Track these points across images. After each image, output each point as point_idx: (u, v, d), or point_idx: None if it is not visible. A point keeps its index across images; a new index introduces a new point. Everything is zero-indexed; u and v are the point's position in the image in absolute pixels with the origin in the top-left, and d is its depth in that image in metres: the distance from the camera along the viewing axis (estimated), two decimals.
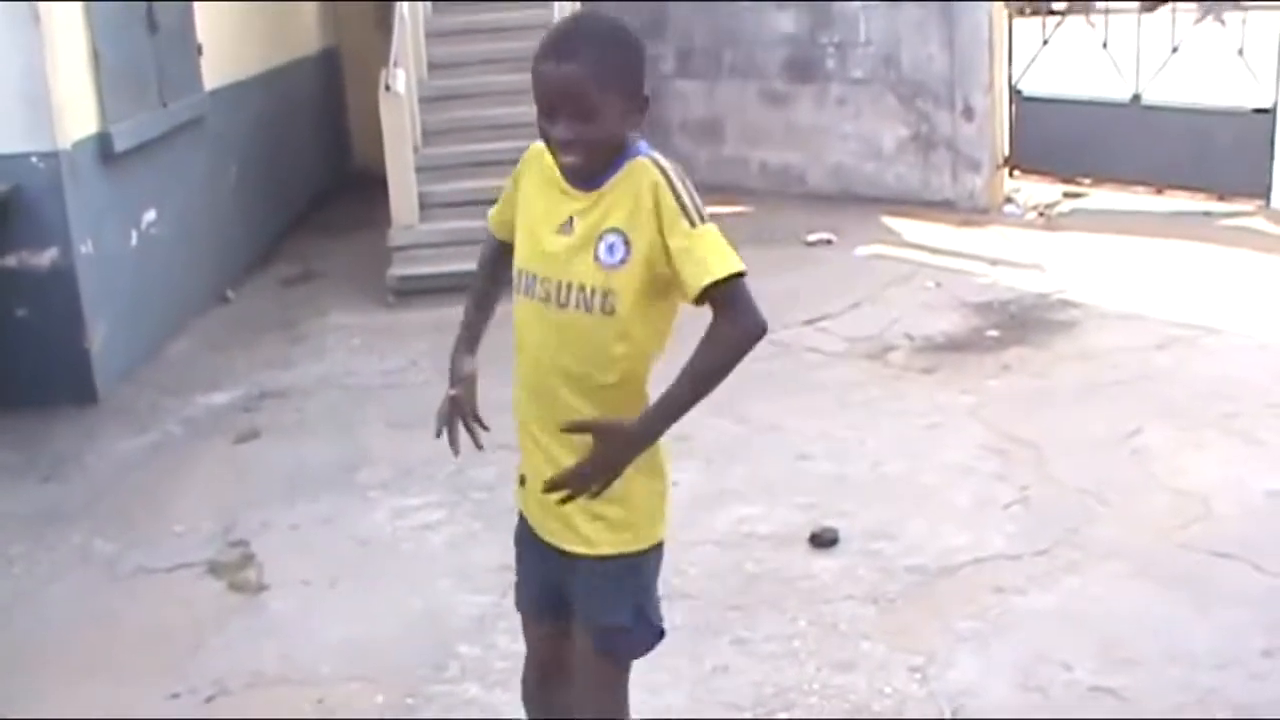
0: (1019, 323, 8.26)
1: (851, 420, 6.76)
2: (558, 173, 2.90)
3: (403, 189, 10.02)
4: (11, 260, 7.40)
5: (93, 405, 7.54)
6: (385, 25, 10.83)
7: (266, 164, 11.50)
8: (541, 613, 3.25)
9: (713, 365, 2.85)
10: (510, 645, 4.75)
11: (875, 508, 5.66)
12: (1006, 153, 11.74)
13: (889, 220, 11.14)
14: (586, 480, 2.85)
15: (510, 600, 5.01)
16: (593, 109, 2.77)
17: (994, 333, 8.08)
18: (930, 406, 6.87)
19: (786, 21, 12.34)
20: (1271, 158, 10.56)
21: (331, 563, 5.56)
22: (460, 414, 3.31)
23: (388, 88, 9.90)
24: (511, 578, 5.17)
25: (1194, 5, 11.73)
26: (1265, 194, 10.65)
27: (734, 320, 2.83)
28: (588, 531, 2.98)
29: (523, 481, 3.14)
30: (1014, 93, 11.70)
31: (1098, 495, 5.74)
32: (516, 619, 4.90)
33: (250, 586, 5.44)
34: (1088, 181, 11.66)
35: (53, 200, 7.35)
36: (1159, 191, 11.23)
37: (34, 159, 7.30)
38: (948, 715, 4.25)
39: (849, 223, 10.85)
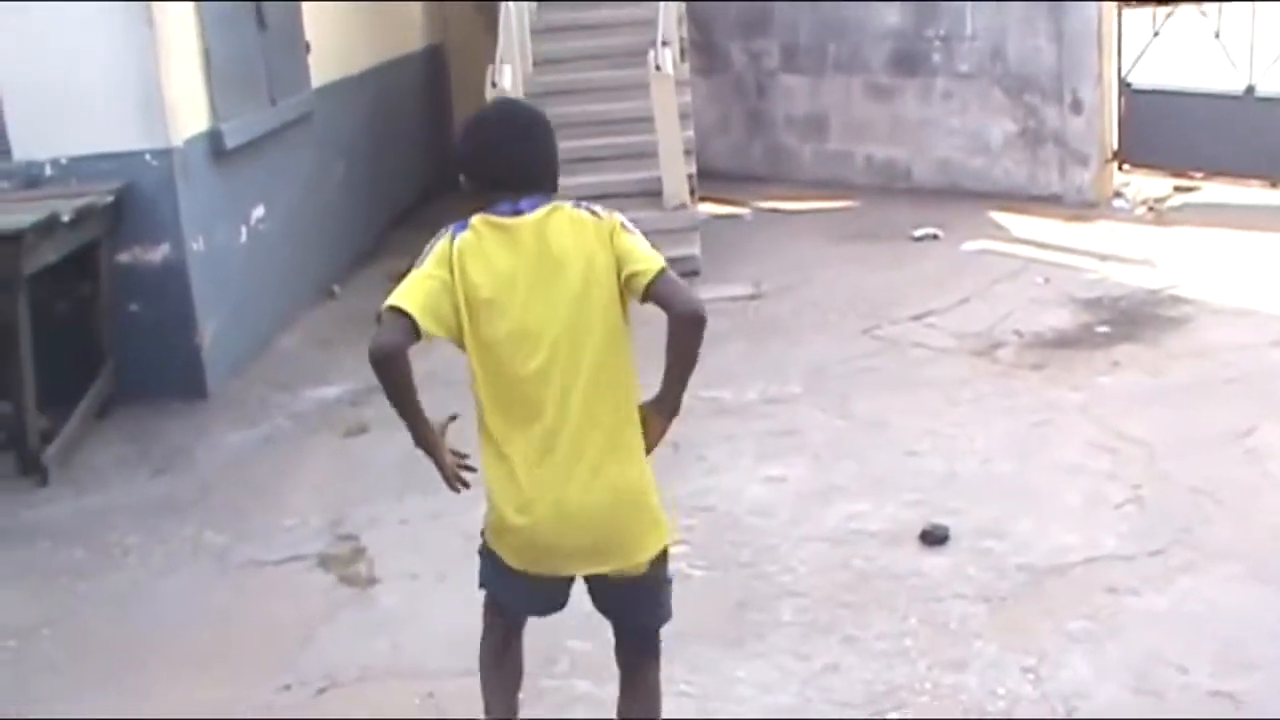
0: (1129, 319, 8.14)
1: (960, 417, 6.69)
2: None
3: None
4: (125, 256, 7.52)
5: (203, 399, 7.65)
6: (490, 23, 10.87)
7: (373, 160, 11.59)
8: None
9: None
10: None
11: (985, 506, 5.60)
12: (1115, 147, 11.57)
13: (996, 215, 11.03)
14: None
15: None
16: None
17: (1104, 329, 7.97)
18: (1040, 404, 6.79)
19: (891, 15, 12.25)
20: None
21: (440, 557, 5.58)
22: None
23: (494, 84, 9.93)
24: None
25: None
26: None
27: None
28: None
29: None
30: (1123, 85, 11.53)
31: (1211, 495, 5.64)
32: None
33: (360, 580, 5.49)
34: (1199, 175, 11.47)
35: (165, 197, 7.46)
36: (1273, 185, 11.01)
37: (147, 156, 7.42)
38: (1061, 716, 4.19)
39: (955, 218, 10.75)
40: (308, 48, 9.88)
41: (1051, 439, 6.37)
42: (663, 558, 3.52)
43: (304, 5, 9.81)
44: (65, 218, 6.78)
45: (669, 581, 3.61)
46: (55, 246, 6.84)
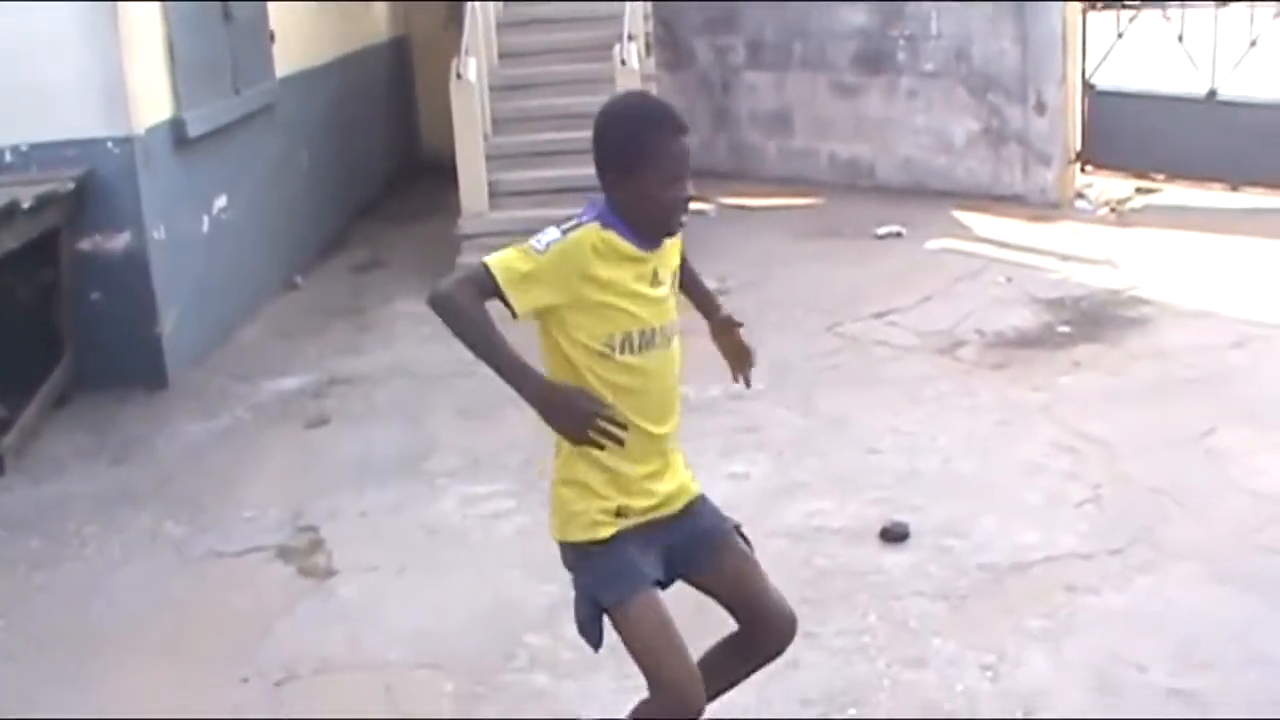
0: (1091, 319, 8.18)
1: (922, 415, 6.71)
2: (628, 246, 3.28)
3: (472, 177, 10.04)
4: (86, 244, 7.48)
5: (163, 390, 7.61)
6: (455, 14, 10.85)
7: (337, 151, 11.56)
8: (656, 587, 3.43)
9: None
10: (579, 636, 4.75)
11: (946, 504, 5.61)
12: (1079, 147, 11.62)
13: (959, 214, 11.06)
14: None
15: None
16: None
17: (1065, 329, 8.01)
18: (1001, 403, 6.81)
19: (857, 14, 12.27)
20: None
21: (400, 550, 5.58)
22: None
23: (459, 75, 9.91)
24: None
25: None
26: None
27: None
28: (691, 485, 3.53)
29: (620, 513, 3.37)
30: (1087, 87, 11.57)
31: (1171, 495, 5.67)
32: None
33: (319, 572, 5.47)
34: (1161, 177, 11.52)
35: (127, 185, 7.42)
36: (1234, 188, 11.07)
37: (109, 144, 7.37)
38: (1019, 715, 4.20)
39: (919, 216, 10.78)
40: (272, 37, 9.84)
41: (1012, 438, 6.39)
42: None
43: None
44: (25, 205, 6.73)
45: None
46: (15, 234, 6.79)
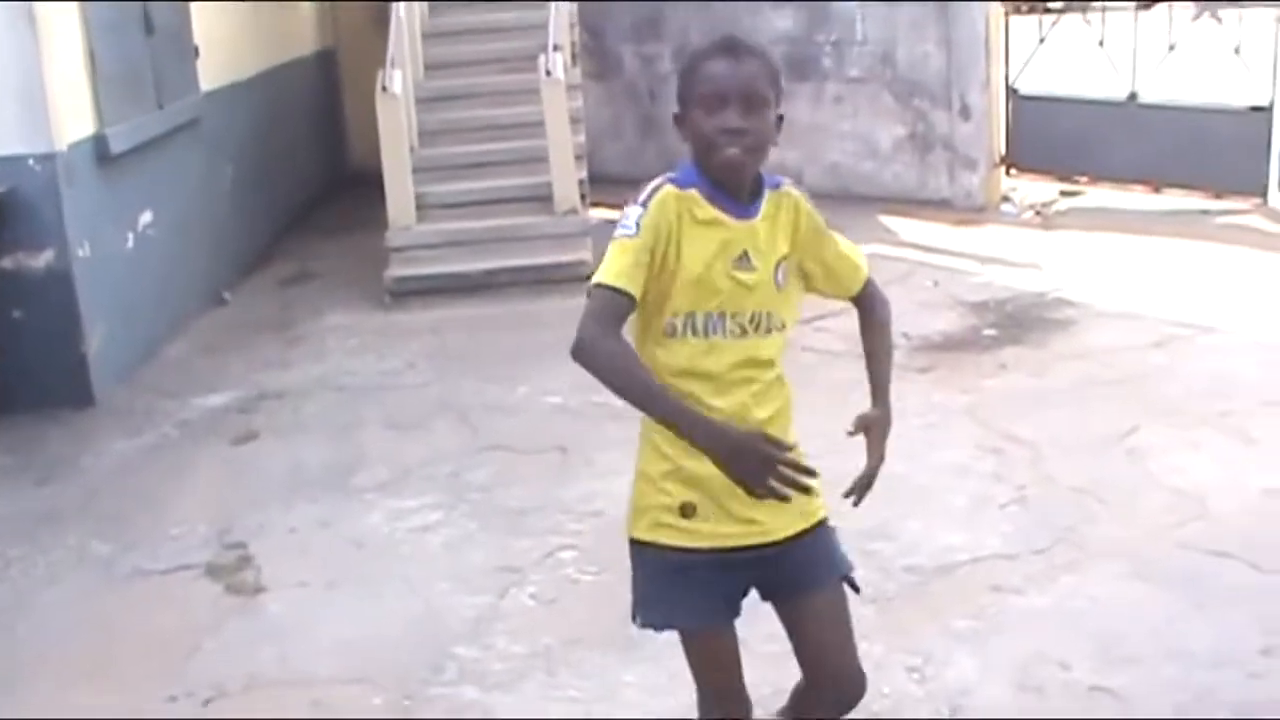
0: (1016, 322, 8.26)
1: (849, 420, 6.72)
2: (711, 208, 2.99)
3: (399, 190, 10.02)
4: (8, 262, 7.40)
5: (89, 407, 7.54)
6: (382, 27, 10.82)
7: (263, 165, 11.49)
8: (730, 620, 3.22)
9: (889, 341, 3.49)
10: (508, 647, 4.78)
11: (872, 507, 5.48)
12: (1003, 152, 11.75)
13: (886, 219, 11.14)
14: (877, 473, 3.42)
15: (508, 602, 5.10)
16: (762, 103, 2.98)
17: (991, 332, 8.09)
18: (927, 406, 6.86)
19: (783, 20, 12.33)
20: (1268, 155, 10.59)
21: (329, 565, 5.56)
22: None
23: (384, 88, 9.89)
24: (510, 579, 5.26)
25: (1191, 3, 11.75)
26: (1262, 191, 10.67)
27: (884, 303, 3.42)
28: (809, 507, 3.18)
29: (686, 512, 3.09)
30: (1010, 91, 11.71)
31: (1095, 494, 5.74)
32: (514, 621, 4.96)
33: (247, 589, 5.44)
34: (1084, 180, 11.67)
35: (49, 202, 7.35)
36: (1156, 190, 11.23)
37: (30, 161, 7.30)
38: (946, 715, 4.25)
39: (845, 221, 10.60)
40: (196, 52, 9.78)
41: (939, 441, 6.44)
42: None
43: (193, 8, 9.71)
44: None
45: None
46: None
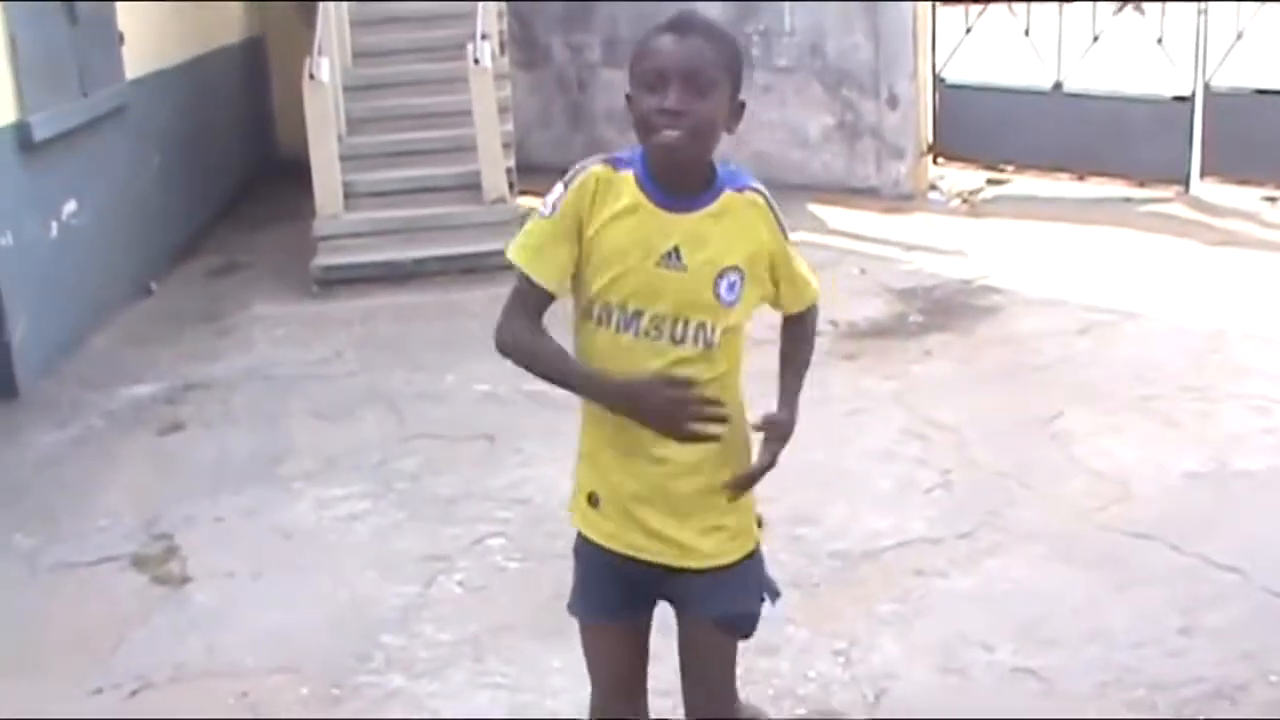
0: (942, 308, 8.33)
1: (774, 406, 6.76)
2: (640, 195, 2.83)
3: (327, 178, 9.98)
4: None
5: (13, 399, 7.46)
6: (310, 15, 10.76)
7: (190, 154, 11.40)
8: (622, 621, 3.13)
9: (809, 353, 3.26)
10: (436, 635, 4.79)
11: (798, 493, 5.66)
12: (931, 140, 11.83)
13: (814, 208, 11.18)
14: (763, 474, 3.04)
15: (436, 590, 5.10)
16: (708, 85, 2.77)
17: (917, 318, 8.15)
18: (853, 392, 6.91)
19: (712, 10, 12.21)
20: (1190, 145, 10.75)
21: (255, 554, 5.53)
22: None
23: (312, 76, 9.84)
24: (437, 567, 5.26)
25: None
26: (1184, 180, 10.81)
27: (812, 317, 3.21)
28: (706, 547, 2.99)
29: (592, 500, 3.01)
30: (938, 81, 11.79)
31: (1018, 478, 5.81)
32: (441, 609, 4.96)
33: (174, 579, 5.40)
34: (1010, 168, 11.78)
35: None
36: (1080, 178, 11.36)
37: None
38: (871, 698, 4.29)
39: None
40: (121, 39, 9.68)
41: (864, 427, 6.49)
42: None
43: None
44: None
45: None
46: None
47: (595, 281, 2.85)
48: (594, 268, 2.85)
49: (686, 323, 2.83)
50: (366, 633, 4.82)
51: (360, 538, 5.65)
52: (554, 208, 2.87)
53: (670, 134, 2.75)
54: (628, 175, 2.85)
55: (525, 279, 2.87)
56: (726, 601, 3.04)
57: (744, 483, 3.01)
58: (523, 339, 2.89)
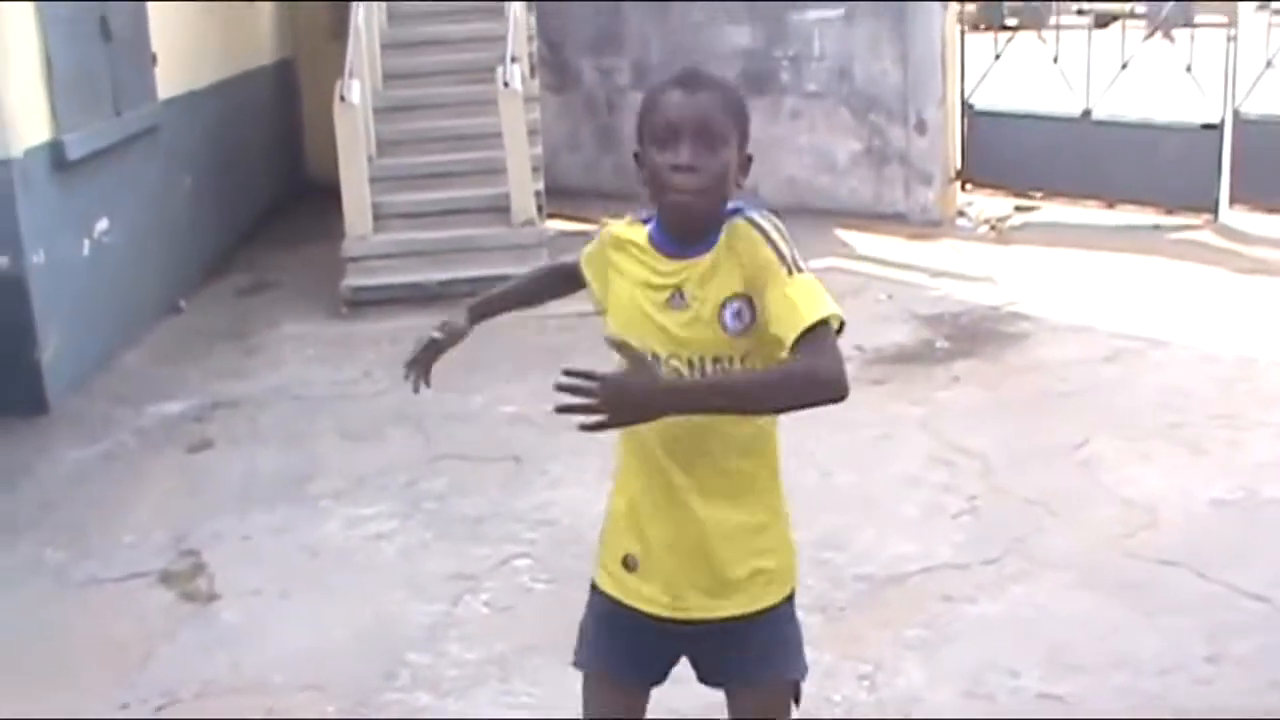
0: (969, 335, 8.33)
1: (801, 431, 6.70)
2: (648, 247, 2.84)
3: (357, 200, 10.03)
4: None
5: (44, 415, 7.51)
6: (341, 37, 10.83)
7: (221, 174, 11.47)
8: (631, 682, 3.05)
9: (777, 381, 2.68)
10: (462, 654, 4.80)
11: (824, 517, 5.68)
12: (958, 167, 11.84)
13: (842, 233, 11.20)
14: (593, 391, 2.59)
15: (462, 609, 5.11)
16: (720, 139, 2.73)
17: (945, 345, 8.15)
18: (880, 418, 6.90)
19: (741, 35, 12.39)
20: (1219, 172, 10.72)
21: (283, 573, 5.56)
22: (430, 358, 3.40)
23: (342, 98, 9.90)
24: (464, 587, 5.27)
25: (1144, 22, 11.86)
26: (1213, 208, 10.78)
27: (818, 356, 2.66)
28: (752, 590, 2.90)
29: (628, 564, 2.93)
30: (966, 107, 11.79)
31: (1045, 505, 5.80)
32: (468, 628, 4.98)
33: (201, 596, 5.43)
34: (1039, 195, 11.76)
35: (4, 208, 7.31)
36: (1109, 205, 11.34)
37: None
38: None
39: (802, 235, 10.60)
40: (154, 59, 9.76)
41: (891, 452, 6.49)
42: None
43: (151, 16, 9.69)
44: None
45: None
46: None
47: (619, 330, 2.81)
48: (614, 322, 2.87)
49: (703, 360, 2.77)
50: (393, 651, 4.84)
51: (387, 557, 5.67)
52: (584, 256, 3.06)
53: (684, 192, 2.72)
54: (642, 229, 2.87)
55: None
56: (777, 661, 2.99)
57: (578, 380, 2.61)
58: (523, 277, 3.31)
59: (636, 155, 2.82)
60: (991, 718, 4.29)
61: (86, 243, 8.37)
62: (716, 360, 2.76)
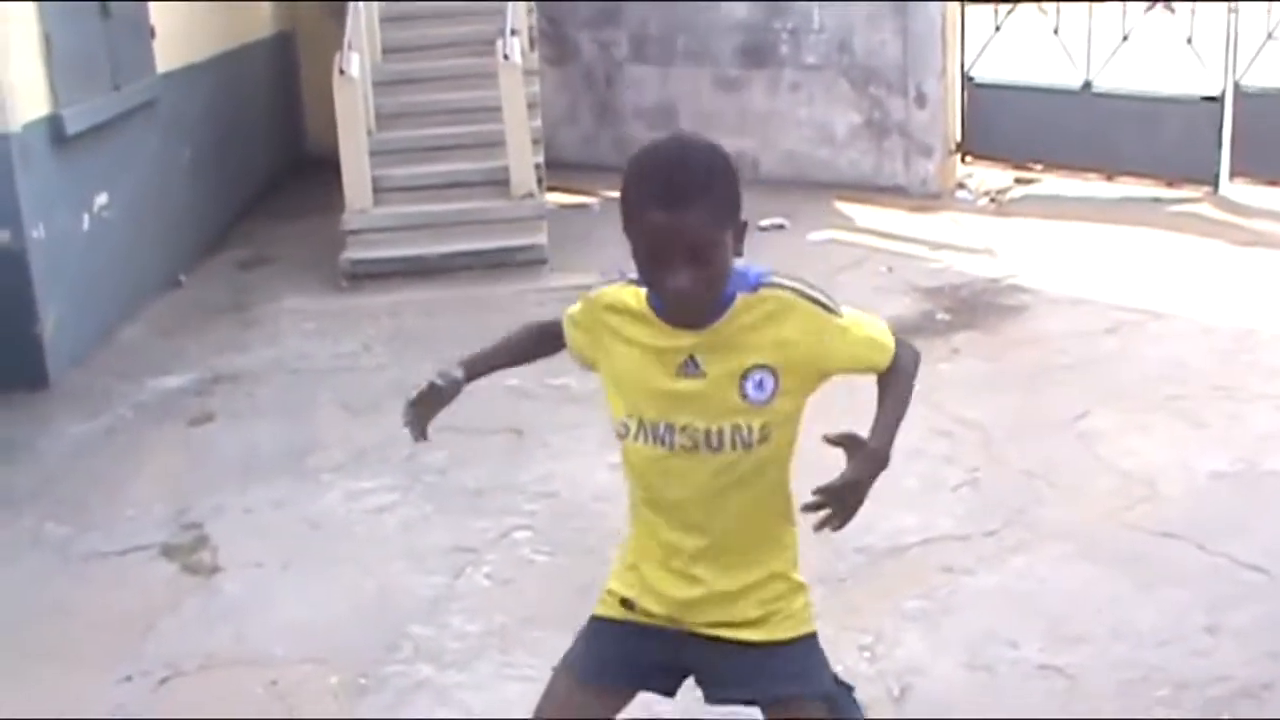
0: (969, 307, 8.33)
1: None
2: (649, 314, 2.75)
3: (356, 173, 10.01)
4: None
5: (44, 390, 7.52)
6: (340, 10, 10.80)
7: (220, 147, 11.45)
8: (618, 688, 3.00)
9: (908, 388, 2.98)
10: (463, 626, 4.82)
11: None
12: (959, 139, 11.82)
13: (842, 205, 11.20)
14: (844, 500, 2.91)
15: (463, 582, 5.12)
16: (713, 247, 2.60)
17: (944, 317, 8.15)
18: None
19: (740, 8, 12.36)
20: (1219, 145, 10.71)
21: (284, 545, 5.57)
22: (429, 412, 3.36)
23: (341, 71, 9.87)
24: (465, 559, 5.29)
25: None
26: (1213, 180, 10.78)
27: (904, 349, 2.95)
28: (768, 625, 2.95)
29: (626, 605, 2.93)
30: (966, 79, 11.77)
31: (1045, 477, 5.81)
32: (469, 600, 4.99)
33: (203, 569, 5.44)
34: (1039, 167, 11.76)
35: (3, 183, 7.31)
36: (1109, 178, 11.33)
37: None
38: (896, 693, 4.30)
39: (802, 208, 10.88)
40: (153, 32, 9.73)
41: None
42: None
43: None
44: None
45: None
46: None
47: (620, 401, 2.80)
48: (615, 388, 2.81)
49: (720, 430, 2.72)
50: (395, 623, 4.85)
51: (388, 529, 5.69)
52: (571, 319, 2.96)
53: (687, 309, 2.67)
54: (637, 292, 2.77)
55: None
56: (811, 677, 3.03)
57: (825, 497, 2.88)
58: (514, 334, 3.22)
59: (625, 227, 2.66)
60: (992, 688, 4.30)
61: (86, 217, 8.37)
62: (735, 429, 2.72)
